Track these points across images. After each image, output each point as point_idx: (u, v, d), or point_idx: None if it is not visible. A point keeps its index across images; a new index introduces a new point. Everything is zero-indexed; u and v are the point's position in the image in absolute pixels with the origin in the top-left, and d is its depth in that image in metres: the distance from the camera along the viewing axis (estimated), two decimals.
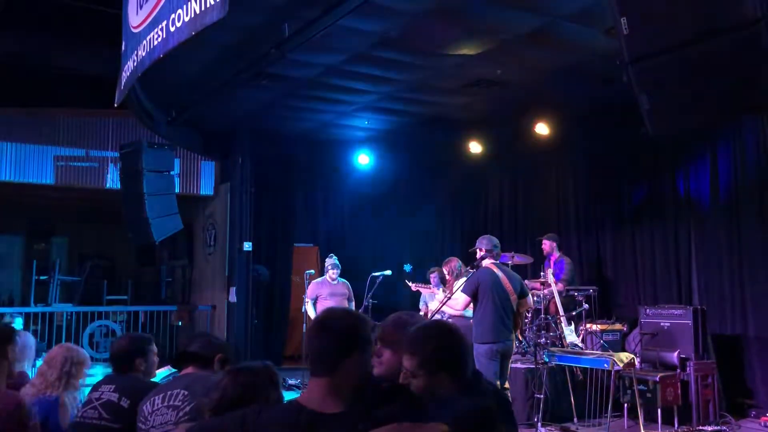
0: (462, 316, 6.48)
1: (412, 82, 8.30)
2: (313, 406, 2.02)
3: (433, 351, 2.24)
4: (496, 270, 6.12)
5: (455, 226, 11.57)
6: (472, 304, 6.17)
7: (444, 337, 2.31)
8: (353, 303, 8.69)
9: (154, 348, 3.47)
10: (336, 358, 2.06)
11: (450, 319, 6.70)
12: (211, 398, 2.38)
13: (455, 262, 7.28)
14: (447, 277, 7.29)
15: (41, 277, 11.97)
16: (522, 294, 6.18)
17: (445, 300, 6.26)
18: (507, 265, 6.84)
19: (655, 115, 3.47)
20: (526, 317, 7.77)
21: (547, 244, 8.70)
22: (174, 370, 3.42)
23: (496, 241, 6.31)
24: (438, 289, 7.44)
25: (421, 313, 8.80)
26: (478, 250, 6.29)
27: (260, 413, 2.07)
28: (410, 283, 8.19)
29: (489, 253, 6.19)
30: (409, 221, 12.34)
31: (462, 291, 6.14)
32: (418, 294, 8.62)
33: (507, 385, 6.17)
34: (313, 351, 2.11)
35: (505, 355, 6.02)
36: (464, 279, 6.91)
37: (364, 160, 11.49)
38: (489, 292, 6.00)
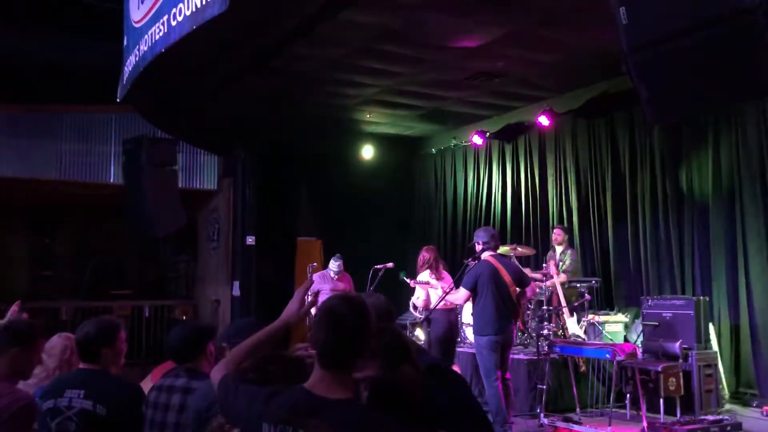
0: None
1: (413, 75, 8.30)
2: (320, 393, 2.05)
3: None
4: (494, 262, 6.17)
5: (457, 218, 11.59)
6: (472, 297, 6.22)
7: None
8: None
9: (123, 335, 3.24)
10: (351, 357, 2.08)
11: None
12: (242, 368, 2.34)
13: (422, 255, 7.34)
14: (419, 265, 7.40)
15: (45, 272, 12.02)
16: (521, 284, 6.21)
17: (444, 296, 6.32)
18: (507, 256, 6.87)
19: (654, 104, 3.49)
20: (528, 308, 7.80)
21: (560, 234, 8.66)
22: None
23: (493, 232, 6.39)
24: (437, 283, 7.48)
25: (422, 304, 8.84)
26: (476, 244, 6.33)
27: (271, 397, 2.11)
28: (408, 279, 8.25)
29: (487, 245, 6.24)
30: (412, 214, 12.37)
31: (462, 285, 6.21)
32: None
33: (508, 375, 6.21)
34: (323, 346, 2.08)
35: (505, 346, 6.08)
36: (426, 272, 7.02)
37: (367, 153, 11.51)
38: (488, 284, 6.05)
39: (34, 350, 3.15)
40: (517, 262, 7.28)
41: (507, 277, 6.10)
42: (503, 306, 6.05)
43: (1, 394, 2.86)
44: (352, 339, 2.07)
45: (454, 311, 7.38)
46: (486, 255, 6.22)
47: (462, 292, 6.22)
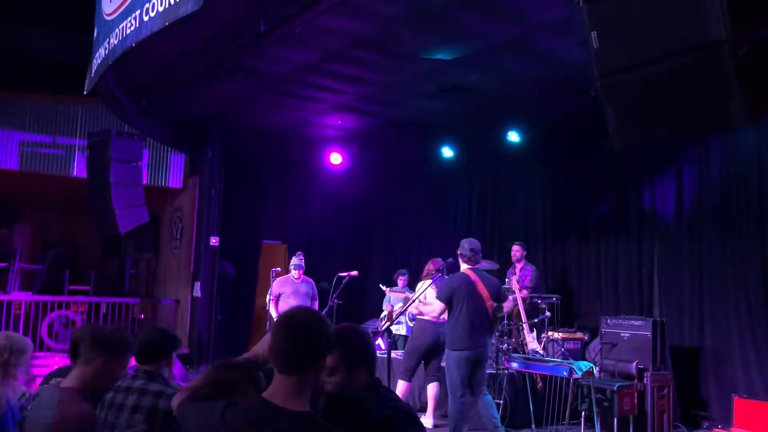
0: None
1: (386, 83, 8.31)
2: (278, 402, 2.04)
3: (351, 347, 2.51)
4: (472, 275, 6.02)
5: (423, 230, 11.60)
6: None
7: (360, 336, 2.63)
8: (317, 302, 8.65)
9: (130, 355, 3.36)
10: (307, 360, 2.09)
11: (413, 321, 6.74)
12: (191, 385, 2.36)
13: (428, 266, 7.30)
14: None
15: (0, 264, 11.73)
16: (499, 299, 6.10)
17: (410, 303, 6.27)
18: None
19: (620, 128, 3.54)
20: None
21: (518, 250, 8.75)
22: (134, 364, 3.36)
23: (475, 244, 6.15)
24: (408, 292, 7.47)
25: (385, 312, 8.83)
26: (458, 255, 6.23)
27: (226, 408, 2.10)
28: (385, 288, 8.22)
29: (464, 257, 6.10)
30: (378, 223, 12.36)
31: (437, 297, 6.10)
32: (382, 294, 8.69)
33: (483, 389, 6.11)
34: (280, 350, 2.10)
35: (477, 362, 5.94)
36: (427, 282, 6.96)
37: (336, 159, 11.47)
38: (464, 298, 5.90)
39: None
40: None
41: (484, 291, 5.96)
42: (478, 321, 5.90)
43: None
44: (309, 340, 2.10)
45: (444, 325, 7.33)
46: (463, 267, 6.12)
47: (437, 305, 6.09)
